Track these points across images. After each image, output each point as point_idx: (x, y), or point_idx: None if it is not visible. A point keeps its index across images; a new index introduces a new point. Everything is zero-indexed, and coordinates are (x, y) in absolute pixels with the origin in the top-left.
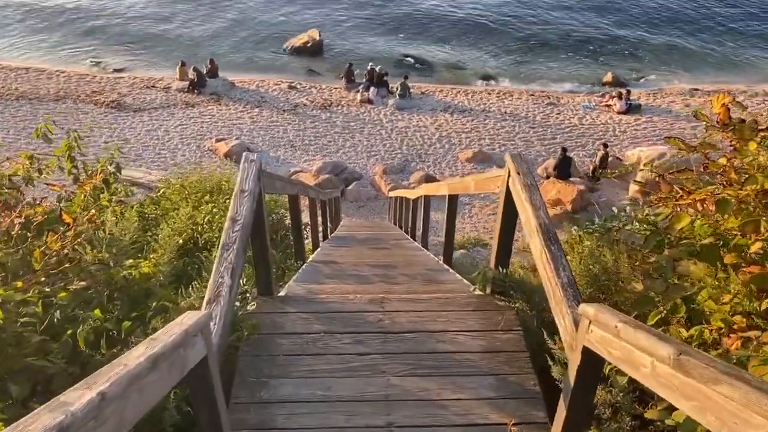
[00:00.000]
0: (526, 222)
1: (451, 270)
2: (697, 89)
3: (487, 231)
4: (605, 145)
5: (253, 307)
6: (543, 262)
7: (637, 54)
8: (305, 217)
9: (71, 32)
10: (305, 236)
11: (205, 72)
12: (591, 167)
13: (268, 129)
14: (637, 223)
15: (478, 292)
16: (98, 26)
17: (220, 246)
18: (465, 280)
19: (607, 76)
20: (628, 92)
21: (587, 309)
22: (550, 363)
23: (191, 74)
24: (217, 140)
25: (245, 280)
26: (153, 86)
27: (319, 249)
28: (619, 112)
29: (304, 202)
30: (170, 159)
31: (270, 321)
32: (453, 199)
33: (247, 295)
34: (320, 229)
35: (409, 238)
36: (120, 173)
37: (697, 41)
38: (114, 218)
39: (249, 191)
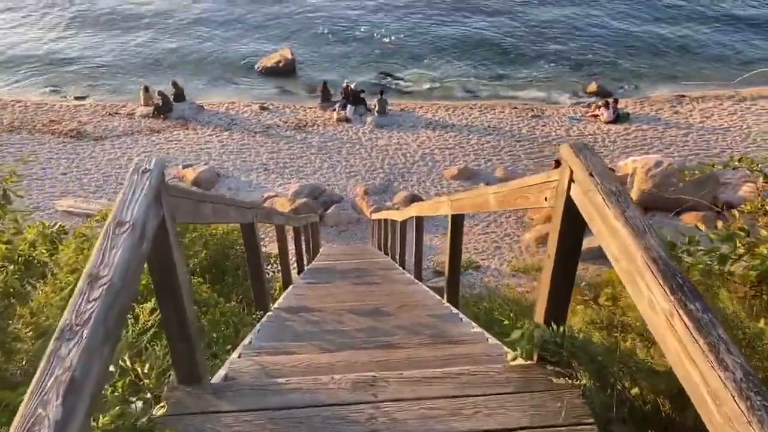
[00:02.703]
0: (620, 254)
1: (463, 316)
2: (683, 96)
3: (479, 252)
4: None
5: (162, 411)
6: (674, 337)
7: (620, 62)
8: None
9: (30, 60)
10: (271, 274)
11: (171, 96)
12: None
13: (240, 152)
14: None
15: (518, 360)
16: (59, 54)
17: (56, 331)
18: (491, 337)
19: (592, 85)
20: (616, 101)
21: None
22: None
23: (156, 99)
24: (184, 166)
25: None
26: (116, 113)
27: (290, 288)
28: (606, 122)
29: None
30: None
31: None
32: (458, 221)
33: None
34: (294, 260)
35: (398, 266)
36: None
37: (679, 47)
38: None
39: (132, 224)
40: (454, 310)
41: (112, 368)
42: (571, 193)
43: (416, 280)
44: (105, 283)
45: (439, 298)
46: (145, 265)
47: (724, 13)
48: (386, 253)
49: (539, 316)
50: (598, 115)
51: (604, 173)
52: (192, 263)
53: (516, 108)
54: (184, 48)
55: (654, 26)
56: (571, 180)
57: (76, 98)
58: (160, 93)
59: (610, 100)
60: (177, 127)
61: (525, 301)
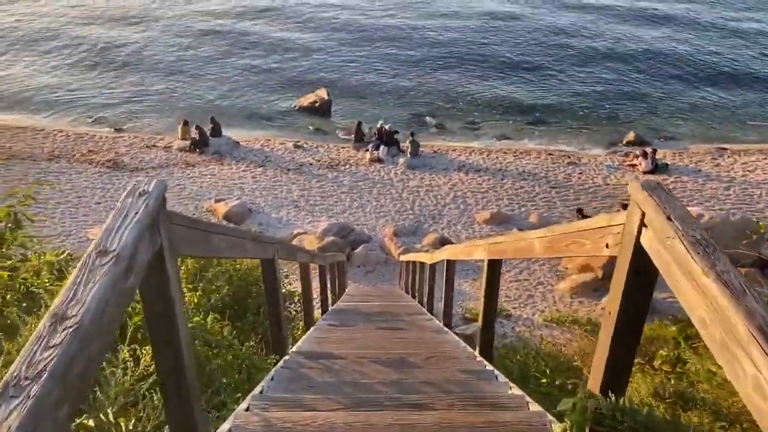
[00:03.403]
0: (710, 319)
1: (499, 374)
2: (724, 148)
3: (510, 300)
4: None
5: None
6: None
7: (658, 112)
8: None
9: (76, 92)
10: (293, 313)
11: (207, 131)
12: None
13: (272, 189)
14: None
15: None
16: (104, 88)
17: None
18: (532, 402)
19: (630, 135)
20: (654, 151)
21: None
22: None
23: (194, 133)
24: (217, 201)
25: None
26: (153, 145)
27: (312, 329)
28: (644, 172)
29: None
30: None
31: None
32: (495, 267)
33: None
34: (318, 299)
35: (426, 311)
36: (19, 227)
37: (720, 99)
38: None
39: (117, 253)
40: (489, 366)
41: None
42: (642, 240)
43: (445, 328)
44: (71, 326)
45: (471, 350)
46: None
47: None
48: (413, 297)
49: (594, 383)
50: (635, 165)
51: (686, 218)
52: (213, 299)
53: (552, 154)
54: (224, 87)
55: (693, 83)
56: (642, 224)
57: (116, 130)
58: (198, 127)
59: (649, 150)
60: (212, 161)
61: (561, 356)
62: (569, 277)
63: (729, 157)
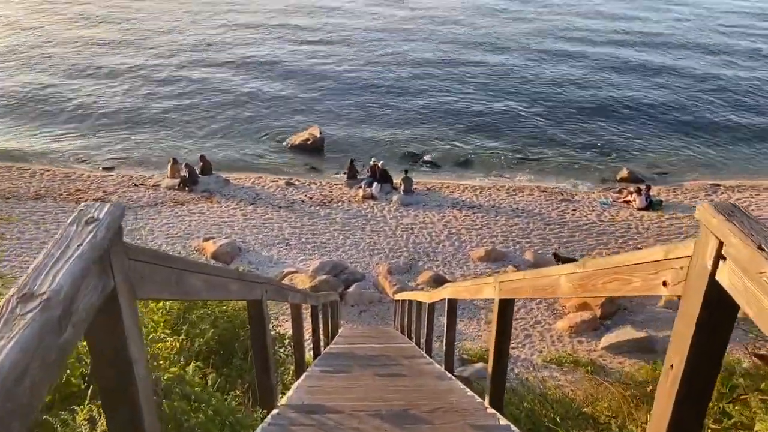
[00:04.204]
0: None
1: (516, 430)
2: (718, 185)
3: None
4: (555, 255)
5: None
6: None
7: (650, 149)
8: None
9: (63, 131)
10: (284, 356)
11: (197, 169)
12: None
13: (262, 227)
14: None
15: None
16: (92, 124)
17: None
18: None
19: (623, 171)
20: (648, 188)
21: None
22: None
23: (183, 171)
24: (205, 239)
25: None
26: (142, 184)
27: (303, 376)
28: (639, 209)
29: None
30: None
31: None
32: (507, 308)
33: None
34: (310, 341)
35: (424, 354)
36: None
37: (712, 135)
38: None
39: (47, 297)
40: (502, 420)
41: None
42: (719, 276)
43: (448, 374)
44: None
45: (479, 399)
46: None
47: (757, 103)
48: (410, 338)
49: None
50: (630, 201)
51: None
52: (197, 344)
53: (545, 191)
54: (215, 124)
55: (684, 114)
56: (719, 256)
57: (105, 169)
58: (187, 165)
59: (643, 187)
60: (201, 199)
61: (569, 401)
62: (567, 315)
63: (723, 193)
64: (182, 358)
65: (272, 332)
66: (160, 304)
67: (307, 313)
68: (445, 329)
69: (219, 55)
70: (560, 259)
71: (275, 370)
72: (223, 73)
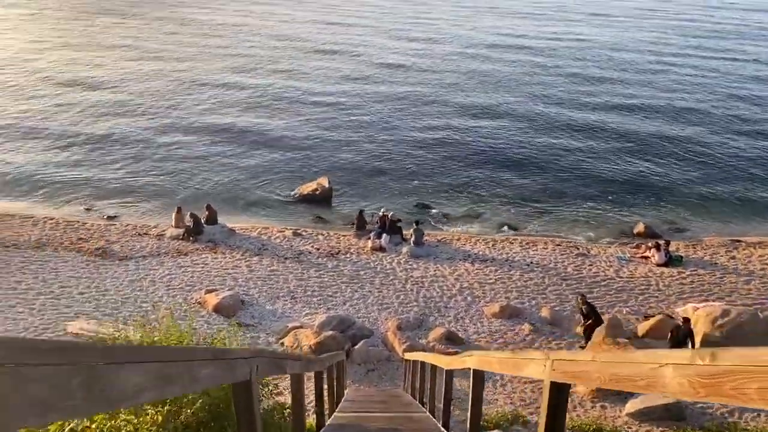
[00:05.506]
0: None
1: None
2: (739, 241)
3: (525, 403)
4: (583, 296)
5: None
6: None
7: (665, 202)
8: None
9: (68, 179)
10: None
11: (203, 219)
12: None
13: (267, 279)
14: None
15: None
16: (98, 174)
17: None
18: None
19: (639, 226)
20: (667, 243)
21: None
22: None
23: (188, 220)
24: (207, 291)
25: None
26: (145, 233)
27: None
28: (658, 264)
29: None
30: (152, 313)
31: None
32: (560, 392)
33: None
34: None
35: (441, 428)
36: None
37: (731, 188)
38: None
39: None
40: None
41: None
42: None
43: None
44: None
45: None
46: None
47: None
48: (422, 403)
49: None
50: (648, 257)
51: None
52: (184, 415)
53: (559, 245)
54: (221, 176)
55: (701, 171)
56: None
57: (109, 218)
58: (192, 215)
59: (662, 242)
60: (205, 250)
61: None
62: None
63: (744, 249)
64: None
65: (270, 401)
66: None
67: (310, 375)
68: (469, 404)
69: (225, 103)
70: (587, 303)
71: None
72: (230, 121)
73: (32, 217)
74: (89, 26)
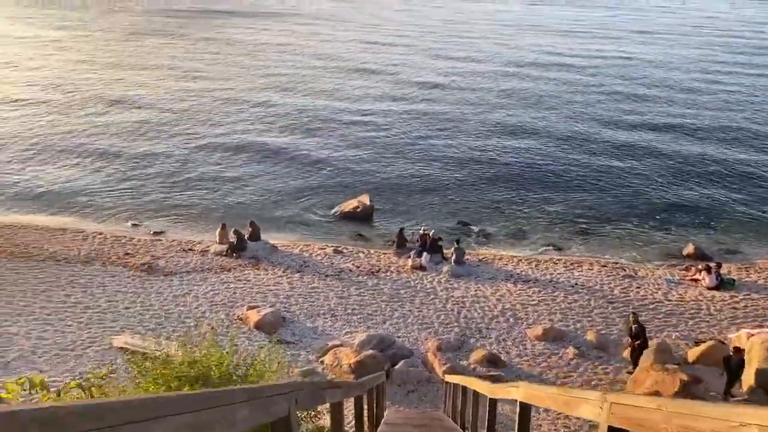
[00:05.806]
0: None
1: None
2: None
3: (570, 431)
4: (635, 315)
5: None
6: None
7: (714, 223)
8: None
9: (115, 195)
10: None
11: (246, 235)
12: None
13: (308, 296)
14: None
15: None
16: (144, 189)
17: None
18: None
19: (689, 247)
20: (719, 265)
21: None
22: None
23: (231, 237)
24: (249, 308)
25: None
26: (190, 249)
27: None
28: (709, 288)
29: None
30: (194, 329)
31: None
32: None
33: None
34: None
35: None
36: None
37: None
38: None
39: None
40: None
41: None
42: None
43: None
44: None
45: None
46: None
47: None
48: (463, 428)
49: None
50: (698, 280)
51: None
52: None
53: (605, 266)
54: (265, 195)
55: (751, 191)
56: None
57: (155, 233)
58: (236, 231)
59: (712, 264)
60: (248, 266)
61: None
62: None
63: None
64: None
65: (308, 425)
66: None
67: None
68: None
69: (268, 122)
70: (638, 322)
71: None
72: (271, 139)
73: (83, 232)
74: (139, 47)
